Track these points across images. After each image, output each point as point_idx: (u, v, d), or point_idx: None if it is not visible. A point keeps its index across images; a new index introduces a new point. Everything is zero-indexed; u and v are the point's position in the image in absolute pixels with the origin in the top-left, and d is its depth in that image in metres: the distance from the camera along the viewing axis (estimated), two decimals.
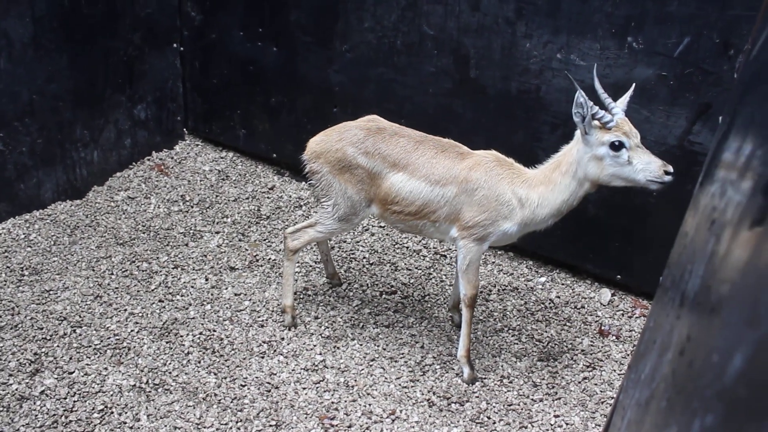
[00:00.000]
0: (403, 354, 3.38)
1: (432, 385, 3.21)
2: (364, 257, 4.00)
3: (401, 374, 3.27)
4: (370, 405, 3.09)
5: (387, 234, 4.19)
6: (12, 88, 4.01)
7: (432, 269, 3.95)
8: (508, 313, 3.67)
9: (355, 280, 3.83)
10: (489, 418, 3.08)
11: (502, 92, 3.77)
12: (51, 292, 3.67)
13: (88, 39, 4.31)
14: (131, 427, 2.95)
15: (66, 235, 4.12)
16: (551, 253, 3.99)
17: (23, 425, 2.94)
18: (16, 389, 3.10)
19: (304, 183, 4.59)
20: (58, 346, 3.35)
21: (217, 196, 4.50)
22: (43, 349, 3.32)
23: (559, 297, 3.79)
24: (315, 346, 3.39)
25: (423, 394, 3.17)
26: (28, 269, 3.83)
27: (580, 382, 3.28)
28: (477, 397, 3.18)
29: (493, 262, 4.03)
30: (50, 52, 4.13)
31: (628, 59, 3.37)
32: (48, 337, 3.39)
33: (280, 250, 4.02)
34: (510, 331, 3.56)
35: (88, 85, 4.40)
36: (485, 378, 3.27)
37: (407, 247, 4.09)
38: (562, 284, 3.90)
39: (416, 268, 3.95)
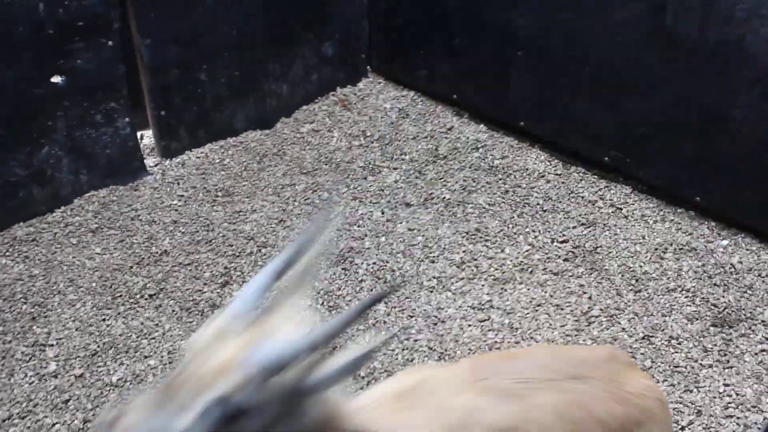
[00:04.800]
0: (569, 303, 3.38)
1: (597, 336, 3.20)
2: (538, 203, 3.99)
3: (566, 322, 3.28)
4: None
5: (563, 182, 4.14)
6: (216, 24, 4.32)
7: (606, 221, 3.87)
8: (683, 273, 3.54)
9: (527, 225, 3.84)
10: (653, 377, 3.02)
11: (699, 42, 3.57)
12: (241, 213, 3.99)
13: None
14: None
15: (255, 162, 4.43)
16: (737, 215, 3.78)
17: None
18: (209, 297, 3.44)
19: (482, 125, 4.62)
20: (245, 262, 3.65)
21: (396, 133, 4.64)
22: (233, 264, 3.64)
23: (741, 263, 3.60)
24: (483, 286, 3.46)
25: (587, 345, 3.17)
26: (221, 191, 4.17)
27: (756, 354, 3.13)
28: (642, 354, 3.13)
29: (672, 220, 3.88)
30: None
31: None
32: (237, 254, 3.71)
33: (454, 189, 4.10)
34: (683, 292, 3.44)
35: (281, 24, 4.65)
36: (652, 336, 3.21)
37: (582, 197, 4.03)
38: (747, 249, 3.69)
39: (590, 218, 3.89)
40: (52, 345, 3.21)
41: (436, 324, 3.27)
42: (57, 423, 2.86)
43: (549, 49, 4.18)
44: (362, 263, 3.62)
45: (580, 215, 3.91)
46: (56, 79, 3.87)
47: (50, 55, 3.79)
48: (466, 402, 1.76)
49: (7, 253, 3.73)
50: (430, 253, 3.68)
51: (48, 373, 3.06)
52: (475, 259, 3.63)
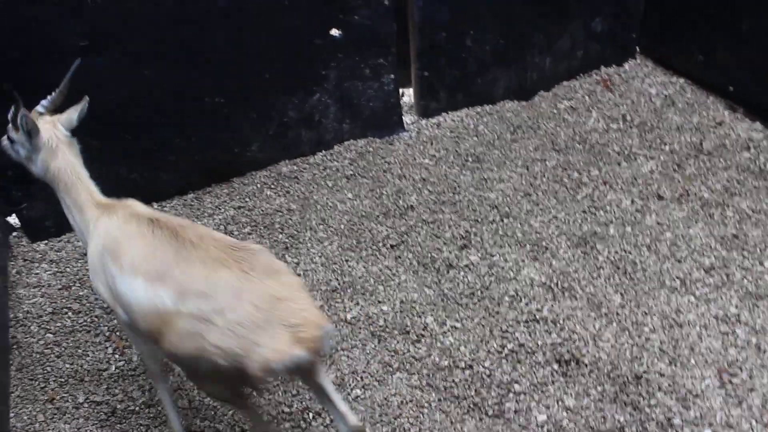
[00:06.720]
0: None
1: None
2: None
3: None
4: None
5: None
6: None
7: None
8: None
9: None
10: None
11: None
12: (488, 181, 4.04)
13: None
14: (535, 318, 3.18)
15: (509, 132, 4.44)
16: None
17: (447, 288, 3.37)
18: (447, 257, 3.55)
19: (758, 123, 4.24)
20: (486, 229, 3.71)
21: (658, 121, 4.40)
22: (474, 229, 3.71)
23: None
24: (732, 297, 3.22)
25: None
26: (471, 156, 4.25)
27: None
28: None
29: None
30: None
31: None
32: (479, 220, 3.77)
33: (715, 189, 3.82)
34: None
35: None
36: None
37: None
38: None
39: None
40: (299, 275, 3.50)
41: (672, 327, 3.11)
42: None
43: None
44: (603, 250, 3.51)
45: None
46: (335, 32, 4.13)
47: (332, 10, 4.05)
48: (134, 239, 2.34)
49: (272, 186, 4.11)
50: (678, 251, 3.48)
51: None
52: (727, 267, 3.38)
